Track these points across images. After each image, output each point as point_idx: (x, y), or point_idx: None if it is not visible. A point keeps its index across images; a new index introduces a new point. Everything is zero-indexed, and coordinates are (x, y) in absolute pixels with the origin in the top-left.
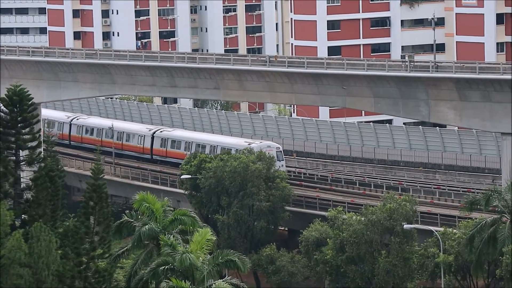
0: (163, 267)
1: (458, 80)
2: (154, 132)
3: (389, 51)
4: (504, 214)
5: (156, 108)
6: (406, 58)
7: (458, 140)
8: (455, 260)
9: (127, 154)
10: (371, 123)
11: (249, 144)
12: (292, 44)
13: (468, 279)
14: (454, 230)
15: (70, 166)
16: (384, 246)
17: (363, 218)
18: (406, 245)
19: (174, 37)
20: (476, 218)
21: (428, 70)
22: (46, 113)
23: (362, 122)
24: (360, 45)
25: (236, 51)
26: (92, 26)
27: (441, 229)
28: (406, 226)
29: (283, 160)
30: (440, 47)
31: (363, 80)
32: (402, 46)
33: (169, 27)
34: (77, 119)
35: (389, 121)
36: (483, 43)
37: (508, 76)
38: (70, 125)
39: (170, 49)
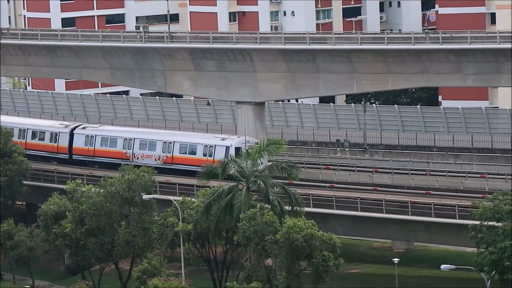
0: None
1: (193, 50)
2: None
3: (124, 22)
4: (241, 181)
5: None
6: (141, 29)
7: (195, 110)
8: (194, 229)
9: None
10: (108, 94)
11: (222, 139)
12: (24, 16)
13: (207, 247)
14: (193, 199)
15: None
16: (124, 217)
17: (102, 190)
18: (145, 215)
19: None
20: (214, 187)
21: (163, 41)
22: None
23: (99, 94)
24: (94, 16)
25: None
26: None
27: (180, 198)
28: (145, 196)
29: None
30: (174, 18)
31: (98, 52)
32: (136, 17)
33: None
34: None
35: (126, 92)
36: (216, 13)
37: (241, 46)
38: None
39: None
